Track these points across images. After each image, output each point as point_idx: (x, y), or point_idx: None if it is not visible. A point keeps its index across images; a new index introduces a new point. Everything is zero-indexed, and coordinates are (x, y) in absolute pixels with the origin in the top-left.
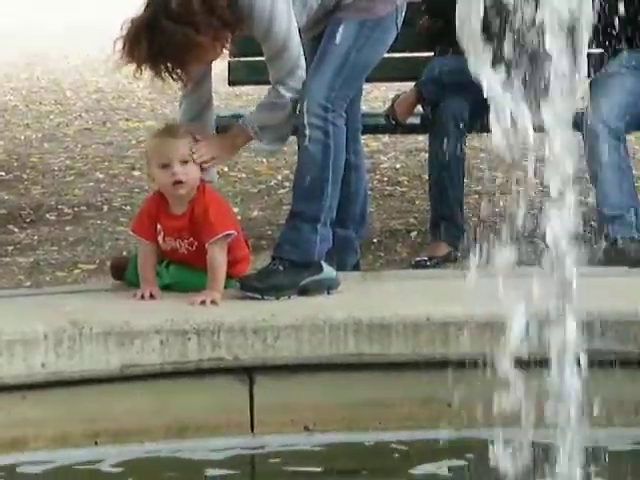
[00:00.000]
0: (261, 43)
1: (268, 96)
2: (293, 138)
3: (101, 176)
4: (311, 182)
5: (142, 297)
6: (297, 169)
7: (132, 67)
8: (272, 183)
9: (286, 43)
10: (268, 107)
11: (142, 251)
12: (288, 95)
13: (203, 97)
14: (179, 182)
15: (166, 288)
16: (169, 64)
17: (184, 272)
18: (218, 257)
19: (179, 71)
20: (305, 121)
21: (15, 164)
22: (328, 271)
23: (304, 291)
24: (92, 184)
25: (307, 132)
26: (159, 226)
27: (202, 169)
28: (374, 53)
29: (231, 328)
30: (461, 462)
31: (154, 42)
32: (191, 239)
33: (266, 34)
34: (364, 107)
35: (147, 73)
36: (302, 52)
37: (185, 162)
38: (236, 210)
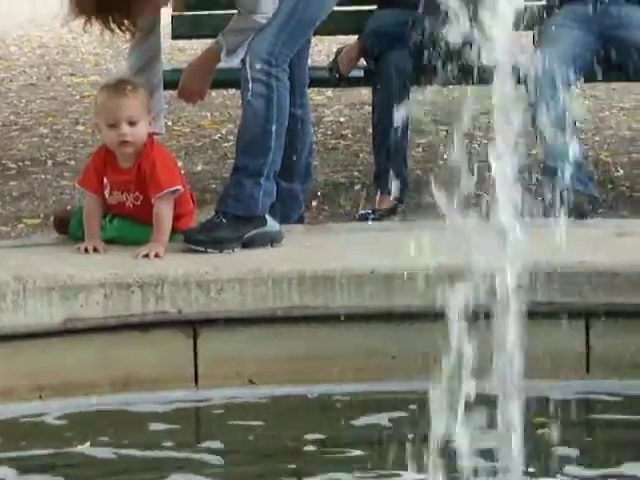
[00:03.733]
0: None
1: (242, 22)
2: (237, 92)
3: (45, 131)
4: (254, 136)
5: (86, 250)
6: (240, 123)
7: (79, 22)
8: (216, 137)
9: None
10: (244, 32)
11: (87, 204)
12: (263, 21)
13: (152, 47)
14: (126, 142)
15: (110, 242)
16: (116, 14)
17: (128, 225)
18: (164, 211)
19: (127, 22)
20: (248, 75)
21: None
22: (272, 224)
23: (248, 244)
24: (36, 139)
25: (250, 86)
26: (105, 180)
27: (150, 122)
28: (320, 9)
29: (175, 281)
30: (403, 414)
31: None
32: (137, 193)
33: None
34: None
35: (96, 27)
36: None
37: (133, 123)
38: (180, 164)
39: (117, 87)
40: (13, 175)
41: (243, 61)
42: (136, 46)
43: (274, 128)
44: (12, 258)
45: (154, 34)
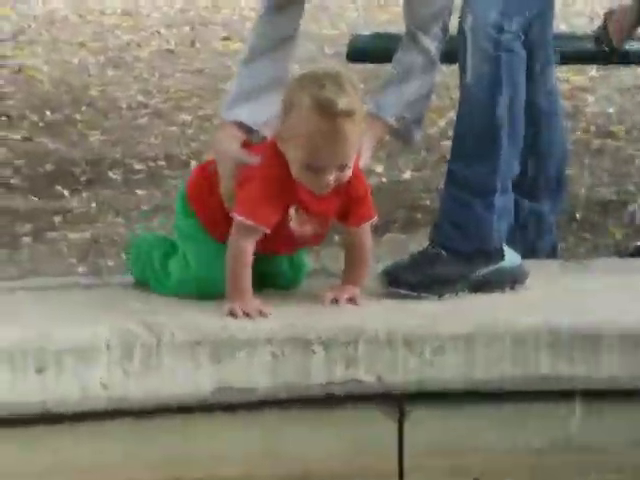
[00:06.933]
0: None
1: (403, 57)
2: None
3: (187, 118)
4: (478, 134)
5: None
6: (458, 115)
7: None
8: (432, 131)
9: None
10: (406, 76)
11: (246, 250)
12: (433, 46)
13: (295, 16)
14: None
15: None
16: None
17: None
18: (369, 243)
19: None
20: (468, 44)
21: (65, 99)
22: (511, 258)
23: (478, 286)
24: (174, 129)
25: (469, 62)
26: (292, 210)
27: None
28: None
29: (374, 338)
30: None
31: None
32: (324, 226)
33: None
34: (562, 26)
35: None
36: None
37: (343, 167)
38: (379, 169)
39: (334, 118)
40: (141, 180)
41: (462, 25)
42: (272, 13)
43: (505, 121)
44: (140, 300)
45: None
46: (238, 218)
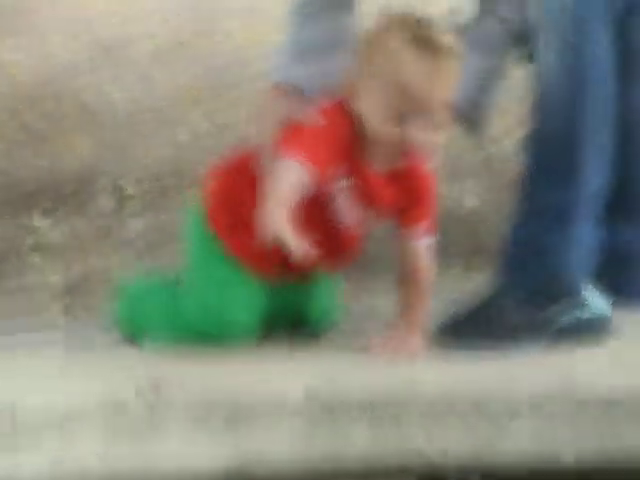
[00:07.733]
0: None
1: (476, 26)
2: None
3: (204, 125)
4: (553, 147)
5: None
6: (530, 123)
7: None
8: (505, 143)
9: None
10: (479, 50)
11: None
12: (513, 14)
13: None
14: (411, 148)
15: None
16: None
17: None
18: (426, 268)
19: None
20: (543, 32)
21: (50, 102)
22: (596, 303)
23: (555, 338)
24: (182, 138)
25: (544, 54)
26: (344, 178)
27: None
28: None
29: (430, 404)
30: None
31: None
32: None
33: None
34: None
35: None
36: None
37: (435, 116)
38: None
39: (435, 52)
40: (136, 203)
41: (536, 5)
42: None
43: (589, 128)
44: (141, 354)
45: None
46: (283, 160)
